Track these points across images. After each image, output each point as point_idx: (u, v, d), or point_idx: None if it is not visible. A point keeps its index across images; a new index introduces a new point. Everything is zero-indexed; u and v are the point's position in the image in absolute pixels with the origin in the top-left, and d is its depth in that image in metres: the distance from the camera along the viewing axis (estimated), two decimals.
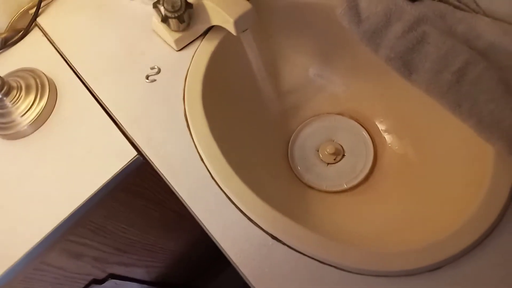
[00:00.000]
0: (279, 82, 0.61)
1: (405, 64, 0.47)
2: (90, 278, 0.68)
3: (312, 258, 0.42)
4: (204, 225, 0.46)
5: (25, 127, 0.54)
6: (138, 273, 0.82)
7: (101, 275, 0.70)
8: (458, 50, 0.45)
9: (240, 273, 0.43)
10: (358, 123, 0.59)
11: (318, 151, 0.59)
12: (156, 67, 0.55)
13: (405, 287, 0.40)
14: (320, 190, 0.56)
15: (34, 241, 0.48)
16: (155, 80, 0.54)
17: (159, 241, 0.79)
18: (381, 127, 0.57)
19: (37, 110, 0.54)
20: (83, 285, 0.68)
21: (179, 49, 0.55)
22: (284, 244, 0.43)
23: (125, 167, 0.50)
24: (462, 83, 0.44)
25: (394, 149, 0.55)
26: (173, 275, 0.96)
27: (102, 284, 0.70)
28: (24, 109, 0.54)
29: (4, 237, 0.49)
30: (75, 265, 0.62)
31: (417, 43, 0.46)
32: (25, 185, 0.51)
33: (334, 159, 0.58)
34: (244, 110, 0.58)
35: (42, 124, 0.55)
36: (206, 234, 0.46)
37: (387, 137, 0.56)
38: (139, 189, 0.61)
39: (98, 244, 0.63)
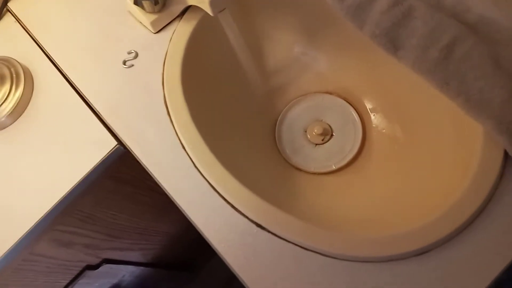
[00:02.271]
0: (263, 62, 0.59)
1: (391, 41, 0.45)
2: (84, 264, 0.68)
3: (297, 245, 0.41)
4: (187, 214, 0.45)
5: (3, 119, 0.52)
6: (133, 256, 0.82)
7: (94, 261, 0.70)
8: (446, 25, 0.42)
9: (225, 262, 0.43)
10: (346, 101, 0.57)
11: (306, 132, 0.57)
12: (133, 51, 0.52)
13: (391, 272, 0.39)
14: (308, 172, 0.55)
15: (18, 235, 0.48)
16: (132, 65, 0.52)
17: (152, 224, 0.79)
18: (369, 106, 0.55)
19: (14, 100, 0.53)
20: (77, 272, 0.68)
21: (156, 31, 0.53)
22: (268, 231, 0.42)
23: (106, 158, 0.49)
24: (450, 59, 0.42)
25: (382, 129, 0.54)
26: (169, 255, 0.96)
27: (96, 270, 0.70)
28: (0, 100, 0.52)
29: None
30: (66, 253, 0.62)
31: (403, 18, 0.44)
32: (6, 178, 0.50)
33: (322, 140, 0.56)
34: (227, 93, 0.56)
35: (20, 115, 0.54)
36: None
37: (375, 116, 0.55)
38: (126, 176, 0.61)
39: (88, 232, 0.63)
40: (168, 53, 0.51)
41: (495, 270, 0.37)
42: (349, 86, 0.57)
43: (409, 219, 0.42)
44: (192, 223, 0.45)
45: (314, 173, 0.55)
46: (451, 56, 0.42)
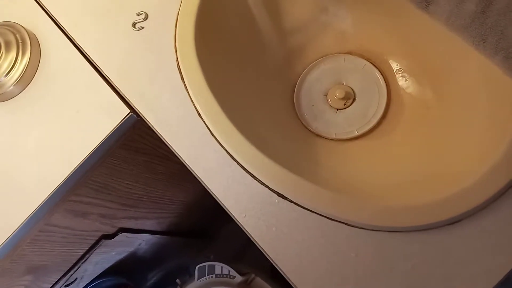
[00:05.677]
0: (281, 20, 0.55)
1: None
2: (100, 234, 0.68)
3: (321, 215, 0.40)
4: (205, 184, 0.43)
5: (11, 87, 0.51)
6: (149, 224, 0.82)
7: (111, 230, 0.70)
8: None
9: (246, 233, 0.41)
10: (370, 62, 0.54)
11: (326, 96, 0.54)
12: (142, 12, 0.49)
13: (421, 243, 0.37)
14: (329, 139, 0.52)
15: (33, 207, 0.47)
16: (142, 27, 0.49)
17: (167, 193, 0.78)
18: (395, 66, 0.52)
19: (21, 68, 0.50)
20: (93, 241, 0.68)
21: None
22: (291, 201, 0.40)
23: (118, 127, 0.47)
24: (488, 13, 0.38)
25: (409, 91, 0.50)
26: (185, 223, 0.96)
27: (113, 239, 0.70)
28: (7, 68, 0.50)
29: (2, 204, 0.47)
30: (82, 223, 0.62)
31: None
32: (18, 149, 0.49)
33: (344, 104, 0.53)
34: (243, 56, 0.53)
35: (29, 83, 0.52)
36: None
37: (402, 77, 0.51)
38: (140, 145, 0.59)
39: (103, 202, 0.62)
40: (180, 13, 0.48)
41: None
42: (373, 45, 0.53)
43: (440, 186, 0.40)
44: (211, 193, 0.43)
45: (335, 140, 0.52)
46: (489, 9, 0.38)
